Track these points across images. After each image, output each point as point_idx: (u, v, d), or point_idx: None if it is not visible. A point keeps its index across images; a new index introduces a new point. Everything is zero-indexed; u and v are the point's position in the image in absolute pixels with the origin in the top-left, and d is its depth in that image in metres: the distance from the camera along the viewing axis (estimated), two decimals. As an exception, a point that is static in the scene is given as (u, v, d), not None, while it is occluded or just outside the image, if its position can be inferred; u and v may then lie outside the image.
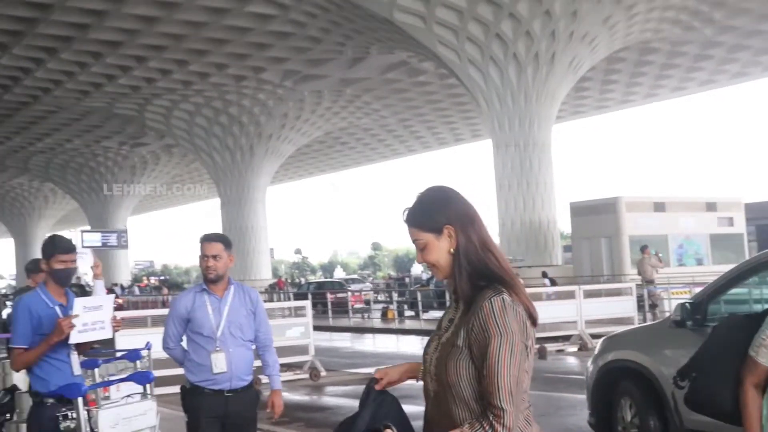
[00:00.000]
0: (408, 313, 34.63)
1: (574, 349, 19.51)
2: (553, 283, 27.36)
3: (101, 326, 5.84)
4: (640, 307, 22.10)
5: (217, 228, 49.37)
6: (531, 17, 30.47)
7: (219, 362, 5.74)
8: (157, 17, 31.28)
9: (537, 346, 18.24)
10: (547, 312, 20.69)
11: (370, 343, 24.89)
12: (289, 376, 15.25)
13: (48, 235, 6.47)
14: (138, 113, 44.92)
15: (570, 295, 21.07)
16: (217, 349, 5.78)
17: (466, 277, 2.87)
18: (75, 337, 5.59)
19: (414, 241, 2.97)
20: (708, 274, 22.63)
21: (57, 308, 5.73)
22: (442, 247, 2.90)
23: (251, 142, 46.25)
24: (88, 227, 60.92)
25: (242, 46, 35.18)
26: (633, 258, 29.39)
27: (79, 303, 5.75)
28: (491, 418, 2.66)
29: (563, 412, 11.65)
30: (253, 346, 6.15)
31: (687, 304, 6.83)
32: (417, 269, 72.64)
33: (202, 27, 32.61)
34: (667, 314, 13.85)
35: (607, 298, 21.75)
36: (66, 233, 72.77)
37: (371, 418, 3.01)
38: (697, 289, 11.50)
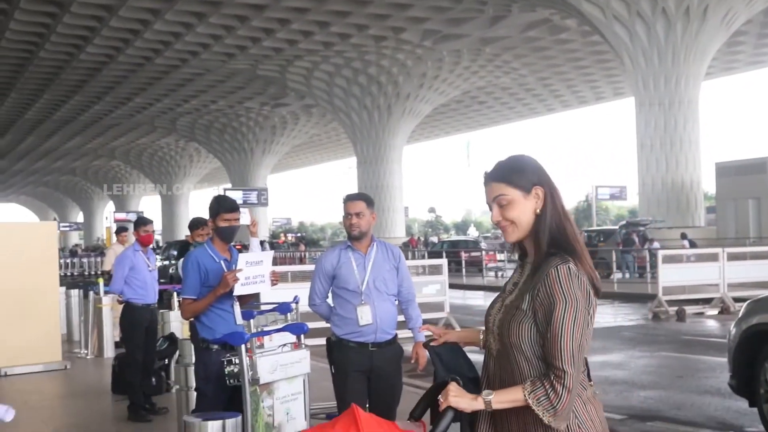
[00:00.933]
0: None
1: (715, 312, 19.38)
2: (693, 244, 27.07)
3: (261, 280, 6.31)
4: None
5: (353, 187, 50.30)
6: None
7: (365, 315, 6.00)
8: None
9: (674, 309, 18.34)
10: (687, 274, 20.76)
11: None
12: (424, 332, 15.74)
13: (215, 195, 6.89)
14: (280, 74, 45.86)
15: (713, 258, 20.86)
16: (363, 302, 6.03)
17: (545, 240, 2.99)
18: (238, 290, 6.07)
19: (496, 197, 3.02)
20: None
21: (222, 263, 6.25)
22: (527, 206, 2.99)
23: (389, 102, 46.70)
24: (230, 185, 62.35)
25: (383, 6, 35.50)
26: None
27: (242, 258, 6.23)
28: (553, 379, 2.80)
29: (701, 374, 11.75)
30: (396, 302, 6.34)
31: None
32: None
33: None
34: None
35: (753, 262, 21.47)
36: (209, 191, 74.97)
37: (443, 367, 3.23)
38: None
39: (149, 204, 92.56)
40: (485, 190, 3.09)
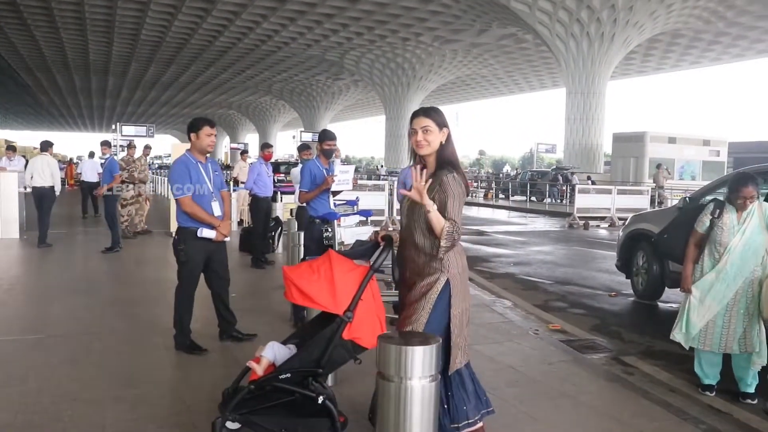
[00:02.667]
0: (501, 195, 35.00)
1: (606, 225, 19.68)
2: (593, 183, 27.32)
3: (346, 183, 6.51)
4: (651, 202, 21.95)
5: (382, 135, 50.20)
6: (601, 9, 29.54)
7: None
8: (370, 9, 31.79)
9: (582, 222, 18.54)
10: (592, 201, 21.07)
11: (475, 212, 25.52)
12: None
13: (322, 129, 6.92)
14: (339, 59, 45.43)
15: (608, 192, 21.16)
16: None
17: (441, 158, 3.18)
18: (334, 187, 6.39)
19: (423, 126, 3.16)
20: (698, 186, 22.51)
21: (324, 170, 6.52)
22: (438, 136, 3.17)
23: (408, 80, 46.27)
24: (302, 128, 62.09)
25: (409, 18, 35.08)
26: (650, 172, 29.01)
27: (337, 168, 6.52)
28: (453, 226, 3.02)
29: (597, 261, 12.11)
30: None
31: (687, 198, 7.22)
32: (507, 168, 71.85)
33: (385, 6, 32.77)
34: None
35: (631, 196, 21.70)
36: (290, 132, 74.54)
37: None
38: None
39: (252, 139, 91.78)
40: (415, 120, 3.21)
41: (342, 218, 6.72)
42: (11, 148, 14.95)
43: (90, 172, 15.67)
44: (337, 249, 5.97)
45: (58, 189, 11.63)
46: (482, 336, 5.97)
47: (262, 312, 6.76)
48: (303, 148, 9.54)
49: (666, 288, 7.89)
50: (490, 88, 60.76)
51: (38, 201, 11.51)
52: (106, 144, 12.40)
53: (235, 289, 7.90)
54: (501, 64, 47.41)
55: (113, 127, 26.57)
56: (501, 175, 49.64)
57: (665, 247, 5.36)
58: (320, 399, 3.16)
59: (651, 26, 31.59)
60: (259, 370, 3.28)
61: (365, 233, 6.46)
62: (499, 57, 44.82)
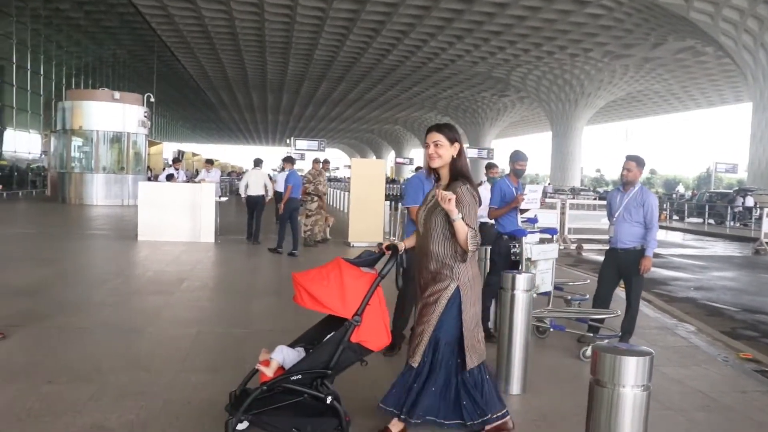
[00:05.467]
0: (675, 217, 33.13)
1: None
2: (788, 206, 25.07)
3: (535, 202, 6.65)
4: None
5: (548, 152, 49.30)
6: (795, 17, 27.22)
7: (611, 231, 6.12)
8: (526, 16, 31.54)
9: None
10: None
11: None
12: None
13: (514, 149, 6.83)
14: (506, 76, 45.35)
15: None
16: (612, 224, 6.12)
17: (454, 171, 3.37)
18: (523, 205, 6.50)
19: (435, 141, 3.37)
20: None
21: (514, 189, 6.64)
22: (449, 150, 3.36)
23: (577, 97, 45.23)
24: (468, 145, 62.46)
25: (578, 34, 34.37)
26: None
27: (527, 188, 6.67)
28: (474, 233, 3.21)
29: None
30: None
31: None
32: (680, 188, 67.59)
33: (554, 22, 32.34)
34: None
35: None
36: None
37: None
38: None
39: (417, 153, 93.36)
40: (428, 136, 3.42)
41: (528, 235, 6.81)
42: (210, 161, 16.57)
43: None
44: (524, 263, 6.10)
45: (268, 197, 13.61)
46: (666, 358, 5.84)
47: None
48: (490, 166, 9.69)
49: None
50: (663, 104, 57.73)
51: (251, 207, 13.37)
52: (288, 160, 13.35)
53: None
54: (676, 78, 44.96)
55: (287, 141, 28.37)
56: (674, 195, 46.95)
57: None
58: (328, 399, 3.31)
59: None
60: (268, 372, 3.41)
61: (551, 250, 6.53)
62: (675, 71, 42.54)
